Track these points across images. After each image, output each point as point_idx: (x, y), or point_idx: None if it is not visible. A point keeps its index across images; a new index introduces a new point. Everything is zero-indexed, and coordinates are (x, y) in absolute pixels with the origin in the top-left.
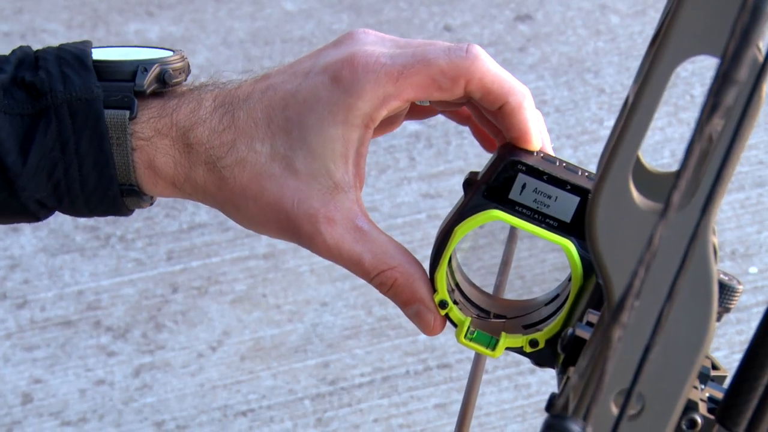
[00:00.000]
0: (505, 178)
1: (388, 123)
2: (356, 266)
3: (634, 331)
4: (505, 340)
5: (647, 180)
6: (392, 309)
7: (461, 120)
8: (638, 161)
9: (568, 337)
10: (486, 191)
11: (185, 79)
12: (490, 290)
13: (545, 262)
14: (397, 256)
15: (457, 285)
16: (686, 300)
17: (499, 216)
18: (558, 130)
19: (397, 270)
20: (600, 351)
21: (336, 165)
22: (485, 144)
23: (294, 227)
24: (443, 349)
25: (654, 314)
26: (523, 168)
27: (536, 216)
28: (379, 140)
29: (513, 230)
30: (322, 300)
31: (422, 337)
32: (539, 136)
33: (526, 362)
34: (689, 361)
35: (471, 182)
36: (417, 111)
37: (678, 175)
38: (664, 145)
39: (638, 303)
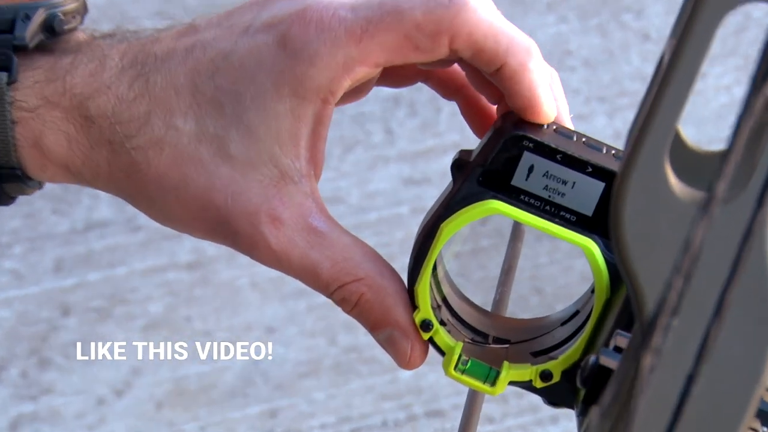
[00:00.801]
0: (507, 159)
1: (354, 91)
2: (311, 278)
3: (673, 357)
4: (509, 372)
5: (689, 161)
6: (364, 336)
7: (448, 92)
8: (677, 137)
9: (590, 367)
10: (482, 176)
11: (81, 23)
12: (488, 306)
13: (572, 270)
14: (364, 264)
15: (444, 300)
16: (739, 317)
17: (498, 208)
18: (587, 90)
19: (364, 282)
20: (628, 384)
21: (283, 149)
22: (479, 127)
23: (228, 228)
24: (433, 390)
25: (698, 336)
26: (531, 145)
27: (548, 208)
28: (344, 107)
29: (517, 227)
30: (267, 325)
31: (405, 374)
32: (552, 104)
33: (547, 407)
34: (744, 396)
35: (462, 164)
36: (392, 75)
37: (724, 158)
38: (730, 110)
39: (677, 322)
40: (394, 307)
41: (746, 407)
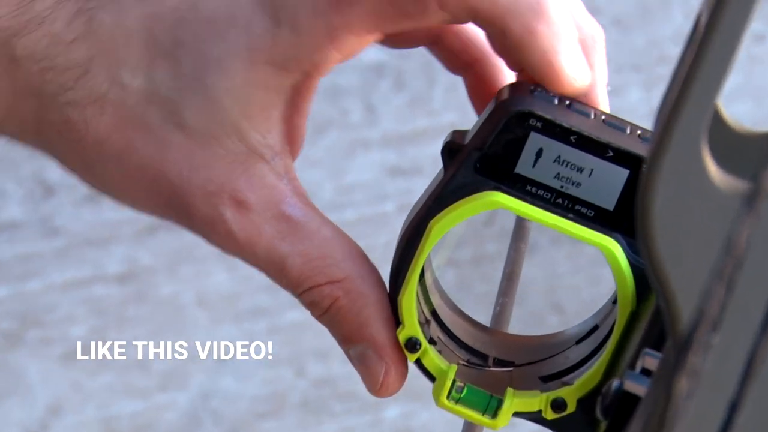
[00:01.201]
0: (510, 141)
1: None
2: (278, 273)
3: (712, 381)
4: (513, 400)
5: (731, 144)
6: (339, 365)
7: (457, 65)
8: (717, 116)
9: (612, 394)
10: (479, 162)
11: None
12: (486, 321)
13: (599, 280)
14: (344, 264)
15: (433, 313)
16: None
17: (500, 201)
18: (619, 57)
19: (341, 286)
20: (659, 413)
21: (252, 122)
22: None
23: (181, 205)
24: (428, 430)
25: (742, 355)
26: (538, 124)
27: (560, 201)
28: None
29: (521, 224)
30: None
31: (390, 413)
32: (577, 69)
33: None
34: None
35: (455, 148)
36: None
37: None
38: None
39: (718, 338)
40: (373, 320)
41: None
